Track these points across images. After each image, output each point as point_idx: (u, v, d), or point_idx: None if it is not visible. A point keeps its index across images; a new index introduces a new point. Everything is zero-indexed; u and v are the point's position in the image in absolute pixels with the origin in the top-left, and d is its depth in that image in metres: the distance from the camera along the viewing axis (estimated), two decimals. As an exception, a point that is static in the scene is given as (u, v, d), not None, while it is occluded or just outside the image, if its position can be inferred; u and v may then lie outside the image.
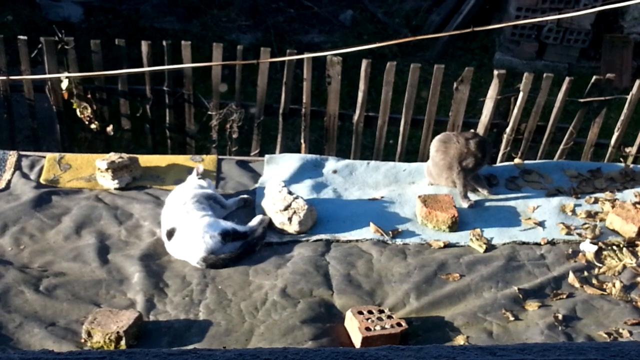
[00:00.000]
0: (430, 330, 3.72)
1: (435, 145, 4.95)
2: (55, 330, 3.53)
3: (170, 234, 4.23)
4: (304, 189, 4.85)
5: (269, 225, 4.45)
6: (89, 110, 6.04)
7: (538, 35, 10.05)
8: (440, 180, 4.92)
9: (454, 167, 4.79)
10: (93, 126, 6.12)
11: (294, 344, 3.52)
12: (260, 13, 10.74)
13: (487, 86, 6.05)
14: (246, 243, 4.24)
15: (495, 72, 5.84)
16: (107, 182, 4.75)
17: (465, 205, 4.77)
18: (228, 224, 4.29)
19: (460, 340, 3.65)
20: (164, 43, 5.90)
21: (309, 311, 3.77)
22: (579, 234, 4.58)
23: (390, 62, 5.87)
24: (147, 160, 5.04)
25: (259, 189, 4.84)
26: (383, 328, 3.56)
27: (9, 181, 4.77)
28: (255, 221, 4.39)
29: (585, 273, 4.22)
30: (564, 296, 4.01)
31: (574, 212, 4.78)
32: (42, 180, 4.78)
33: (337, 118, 6.11)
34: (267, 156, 5.25)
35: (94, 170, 4.81)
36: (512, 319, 3.82)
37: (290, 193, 4.56)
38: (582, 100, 5.95)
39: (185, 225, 4.22)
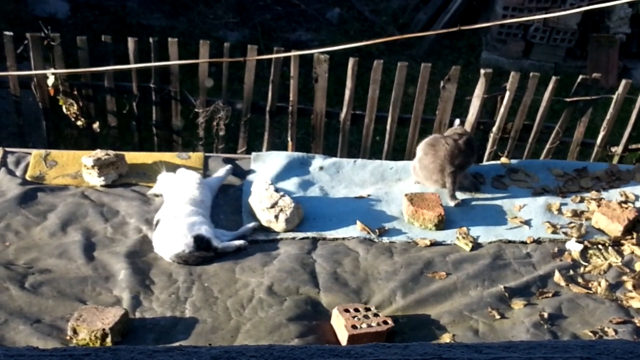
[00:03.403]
0: (416, 328, 3.73)
1: (423, 148, 4.94)
2: (40, 327, 3.52)
3: (156, 224, 4.25)
4: (290, 186, 4.85)
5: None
6: (75, 107, 6.00)
7: (525, 35, 10.07)
8: (429, 182, 4.91)
9: (446, 167, 4.78)
10: (79, 123, 6.08)
11: (280, 341, 3.52)
12: (247, 10, 10.71)
13: (473, 85, 6.06)
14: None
15: (482, 71, 5.85)
16: (93, 179, 4.72)
17: (452, 203, 4.77)
18: (205, 232, 4.20)
19: (446, 338, 3.66)
20: (151, 40, 5.86)
21: (295, 309, 3.77)
22: (565, 233, 4.60)
23: (377, 60, 5.87)
24: (133, 157, 5.02)
25: (245, 186, 4.83)
26: (369, 326, 3.56)
27: (-6, 177, 4.74)
28: (234, 243, 4.24)
29: (571, 272, 4.25)
30: (550, 295, 4.03)
31: (560, 211, 4.80)
32: (27, 177, 4.74)
33: (324, 116, 6.10)
34: (254, 154, 5.24)
35: (80, 167, 4.79)
36: (498, 317, 3.84)
37: (276, 191, 4.56)
38: (568, 99, 5.97)
39: (169, 219, 4.23)
